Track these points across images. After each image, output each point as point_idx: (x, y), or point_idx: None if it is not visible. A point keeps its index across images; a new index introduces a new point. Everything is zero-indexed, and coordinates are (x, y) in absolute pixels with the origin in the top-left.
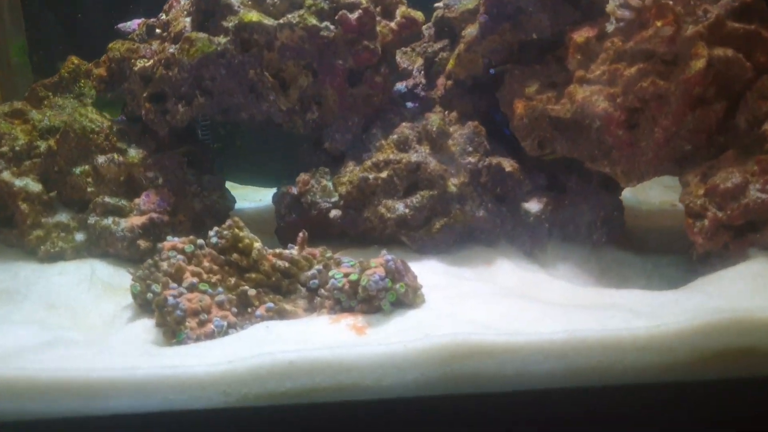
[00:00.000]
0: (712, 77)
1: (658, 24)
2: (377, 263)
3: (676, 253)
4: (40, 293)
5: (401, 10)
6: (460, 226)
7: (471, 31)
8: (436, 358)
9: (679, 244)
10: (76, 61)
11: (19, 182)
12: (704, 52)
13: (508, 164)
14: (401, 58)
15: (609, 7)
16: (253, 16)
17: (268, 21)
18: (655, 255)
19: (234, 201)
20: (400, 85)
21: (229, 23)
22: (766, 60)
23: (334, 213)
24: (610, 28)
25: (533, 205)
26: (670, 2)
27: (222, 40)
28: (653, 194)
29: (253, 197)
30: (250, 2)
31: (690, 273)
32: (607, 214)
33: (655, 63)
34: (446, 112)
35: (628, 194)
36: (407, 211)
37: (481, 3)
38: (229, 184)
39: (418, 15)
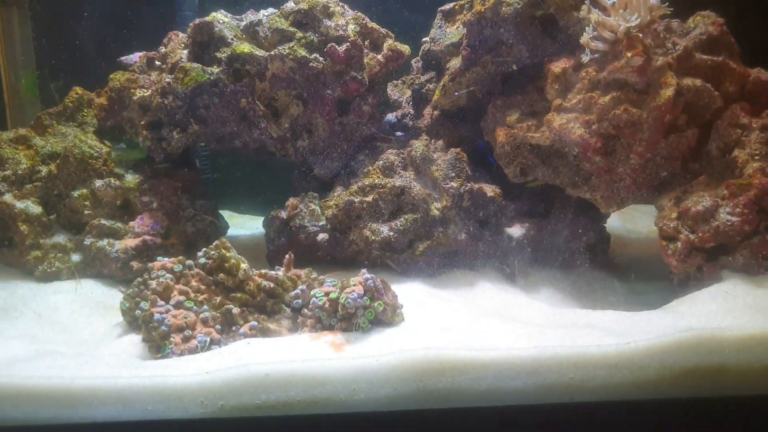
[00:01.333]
0: (682, 106)
1: (629, 55)
2: (356, 282)
3: (658, 279)
4: (36, 310)
5: (388, 44)
6: (443, 249)
7: (455, 63)
8: (408, 373)
9: (663, 271)
10: (79, 92)
11: (20, 204)
12: (673, 81)
13: (490, 190)
14: (392, 91)
15: (583, 39)
16: (245, 47)
17: (260, 52)
18: (638, 281)
19: (227, 226)
20: (391, 116)
21: (223, 54)
22: (735, 90)
23: (322, 236)
24: (585, 58)
25: (516, 230)
26: (640, 35)
27: (215, 70)
28: (642, 224)
29: (250, 225)
30: (243, 35)
31: (669, 298)
32: (589, 239)
33: (628, 92)
34: (432, 140)
35: (617, 223)
36: (392, 234)
37: (464, 37)
38: (228, 213)
39: (405, 48)
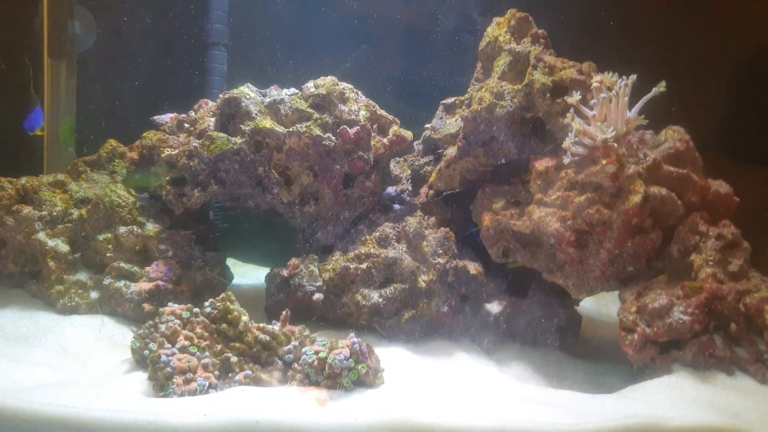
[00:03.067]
0: (649, 210)
1: (604, 162)
2: (344, 344)
3: (621, 363)
4: (54, 341)
5: (394, 129)
6: (426, 319)
7: (451, 151)
8: None
9: (626, 355)
10: (113, 144)
11: (51, 243)
12: (641, 189)
13: (473, 268)
14: (394, 167)
15: (566, 143)
16: (267, 123)
17: (280, 129)
18: (603, 364)
19: (232, 277)
20: (391, 189)
21: (247, 127)
22: (697, 200)
23: (317, 296)
24: (566, 160)
25: (494, 307)
26: (615, 145)
27: (239, 140)
28: (614, 308)
29: (252, 275)
30: (266, 110)
31: (629, 382)
32: (561, 321)
33: (601, 194)
34: (426, 217)
35: (591, 306)
36: (381, 300)
37: (460, 129)
38: (233, 261)
39: (408, 134)
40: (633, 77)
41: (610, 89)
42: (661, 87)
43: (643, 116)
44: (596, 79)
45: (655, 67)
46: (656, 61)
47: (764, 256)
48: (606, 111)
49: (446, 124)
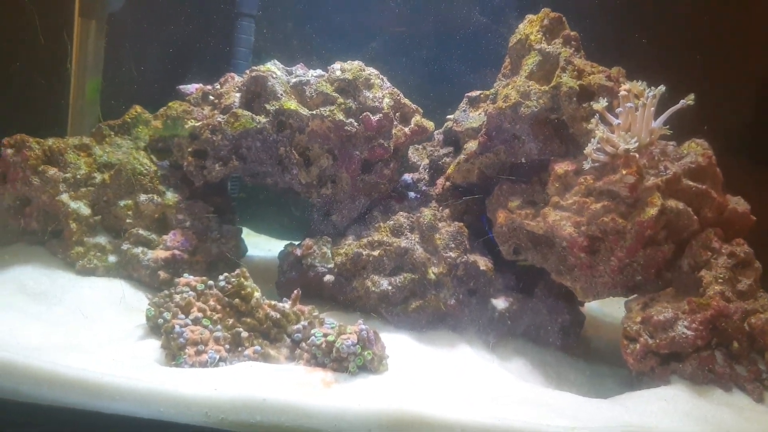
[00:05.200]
0: (663, 223)
1: (624, 172)
2: (352, 330)
3: (620, 365)
4: (72, 301)
5: (416, 119)
6: (432, 309)
7: (471, 145)
8: (383, 421)
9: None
10: (139, 110)
11: (73, 204)
12: (658, 202)
13: (483, 263)
14: (412, 154)
15: (587, 149)
16: (292, 104)
17: (304, 111)
18: (603, 365)
19: (246, 250)
20: (408, 176)
21: (272, 107)
22: (713, 216)
23: (328, 278)
24: (586, 166)
25: (500, 303)
26: (637, 156)
27: (263, 119)
28: (618, 309)
29: (264, 246)
30: (292, 91)
31: (626, 386)
32: (564, 321)
33: (618, 203)
34: (440, 209)
35: (596, 306)
36: (390, 288)
37: (483, 124)
38: (246, 231)
39: (429, 124)
40: (661, 88)
41: (637, 98)
42: (689, 99)
43: (667, 126)
44: (624, 88)
45: (684, 75)
46: (686, 68)
47: None
48: (631, 120)
49: (469, 117)
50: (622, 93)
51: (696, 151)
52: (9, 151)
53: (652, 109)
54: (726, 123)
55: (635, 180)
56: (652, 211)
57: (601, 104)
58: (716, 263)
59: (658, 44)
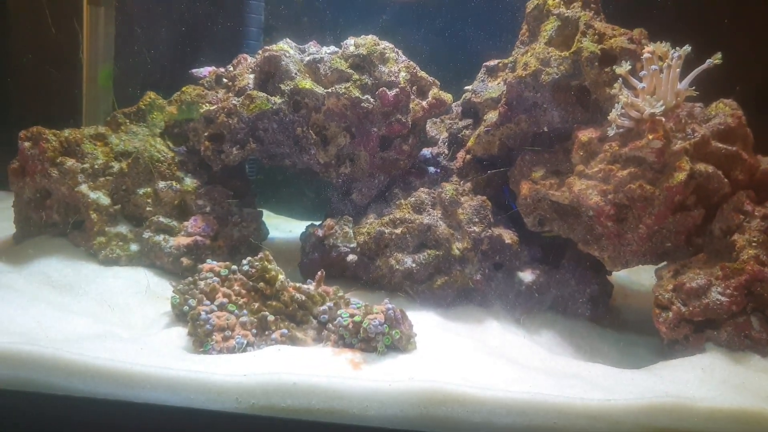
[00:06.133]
0: (693, 188)
1: (650, 137)
2: (379, 310)
3: (650, 334)
4: (97, 291)
5: (433, 92)
6: (458, 285)
7: (491, 116)
8: (414, 399)
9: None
10: (153, 96)
11: (93, 195)
12: (687, 166)
13: (508, 236)
14: (431, 127)
15: (611, 115)
16: (307, 83)
17: (319, 89)
18: (633, 334)
19: (267, 233)
20: (426, 151)
21: (286, 87)
22: (744, 178)
23: (351, 258)
24: (611, 132)
25: (527, 276)
26: (663, 119)
27: (278, 100)
28: (646, 276)
29: (284, 227)
30: (306, 69)
31: (658, 355)
32: (593, 291)
33: (645, 169)
34: (461, 182)
35: (623, 274)
36: (414, 265)
37: (503, 94)
38: (266, 213)
39: (448, 97)
40: (687, 48)
41: (661, 60)
42: (716, 59)
43: (693, 88)
44: (648, 50)
45: (711, 34)
46: (712, 26)
47: None
48: (656, 83)
49: (488, 87)
50: (646, 55)
51: (724, 111)
52: (26, 144)
53: (678, 70)
54: (756, 81)
55: (662, 144)
56: (681, 176)
57: (624, 68)
58: (749, 226)
59: (682, 3)
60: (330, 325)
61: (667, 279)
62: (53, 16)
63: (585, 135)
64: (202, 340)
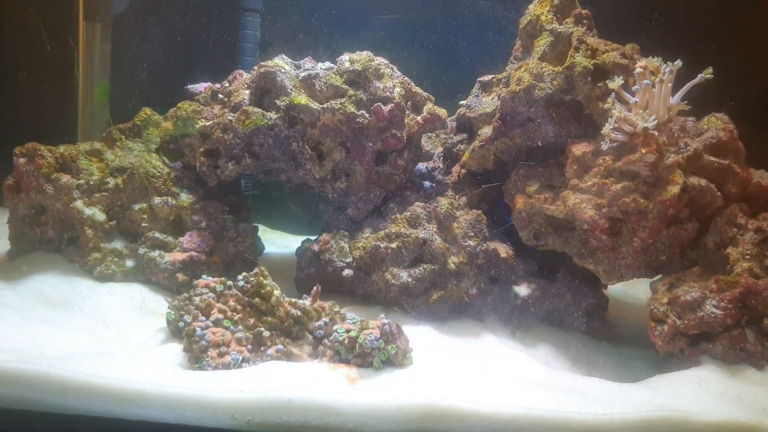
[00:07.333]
0: (686, 201)
1: (643, 151)
2: (375, 324)
3: (646, 347)
4: (92, 307)
5: (428, 107)
6: (454, 299)
7: (486, 131)
8: (411, 415)
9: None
10: (148, 112)
11: (88, 211)
12: (680, 179)
13: (503, 250)
14: (426, 142)
15: (605, 130)
16: (302, 99)
17: (314, 105)
18: (628, 348)
19: (263, 248)
20: (422, 165)
21: (282, 102)
22: (737, 191)
23: (347, 272)
24: (604, 146)
25: (523, 289)
26: (656, 133)
27: (273, 115)
28: (642, 290)
29: (280, 243)
30: (301, 85)
31: (654, 368)
32: (588, 305)
33: (638, 183)
34: (457, 197)
35: (619, 287)
36: (410, 280)
37: (497, 109)
38: (261, 228)
39: (442, 112)
40: (678, 63)
41: (653, 74)
42: (707, 73)
43: (686, 102)
44: (640, 65)
45: (701, 49)
46: (704, 42)
47: None
48: (648, 97)
49: (482, 102)
50: (638, 70)
51: (716, 125)
52: (21, 160)
53: (670, 84)
54: (747, 96)
55: (655, 158)
56: (674, 190)
57: (616, 83)
58: (743, 239)
59: (673, 18)
60: (326, 341)
61: (662, 292)
62: (48, 33)
63: (579, 149)
64: (197, 357)
